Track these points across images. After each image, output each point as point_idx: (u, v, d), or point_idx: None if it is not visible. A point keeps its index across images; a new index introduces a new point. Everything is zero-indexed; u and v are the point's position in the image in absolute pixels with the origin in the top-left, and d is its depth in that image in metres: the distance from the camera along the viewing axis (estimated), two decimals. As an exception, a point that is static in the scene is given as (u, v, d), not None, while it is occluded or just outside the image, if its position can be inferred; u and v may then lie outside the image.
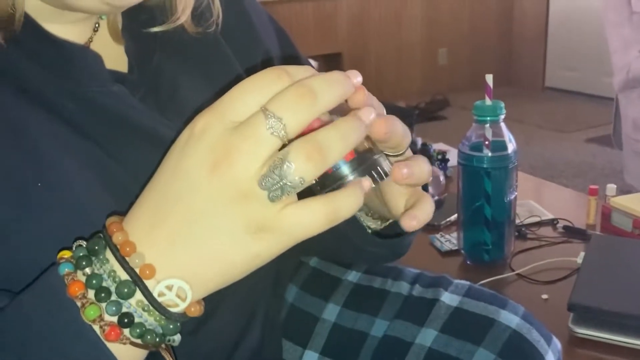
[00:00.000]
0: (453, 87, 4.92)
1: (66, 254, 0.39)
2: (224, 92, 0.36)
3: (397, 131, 0.42)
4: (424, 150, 1.57)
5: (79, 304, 0.36)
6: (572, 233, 1.21)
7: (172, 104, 0.55)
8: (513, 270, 1.08)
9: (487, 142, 1.02)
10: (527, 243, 1.18)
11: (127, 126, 0.50)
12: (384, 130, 0.41)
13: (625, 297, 0.90)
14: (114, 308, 0.36)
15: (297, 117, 0.35)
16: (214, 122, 0.35)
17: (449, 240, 1.19)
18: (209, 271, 0.37)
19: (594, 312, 0.88)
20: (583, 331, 0.88)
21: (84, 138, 0.47)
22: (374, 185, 0.39)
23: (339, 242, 0.48)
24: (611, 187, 1.25)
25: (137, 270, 0.36)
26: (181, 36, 0.57)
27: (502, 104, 1.02)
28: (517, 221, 1.19)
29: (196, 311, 0.38)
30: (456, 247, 1.15)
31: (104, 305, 0.37)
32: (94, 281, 0.37)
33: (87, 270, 0.37)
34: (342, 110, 0.38)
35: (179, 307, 0.37)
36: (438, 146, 1.68)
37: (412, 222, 0.43)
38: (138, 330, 0.37)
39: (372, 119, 0.38)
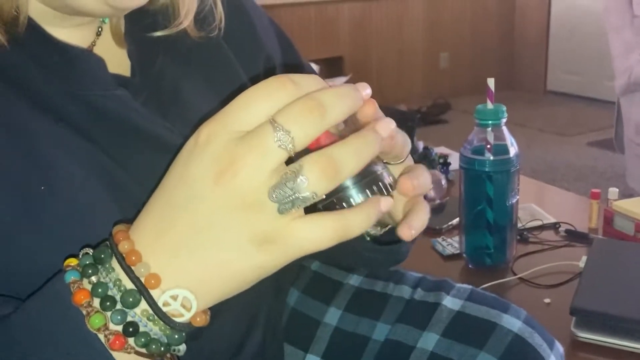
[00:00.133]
0: (455, 90, 4.92)
1: (73, 261, 0.39)
2: (229, 101, 0.36)
3: (398, 142, 0.42)
4: (426, 154, 1.57)
5: (84, 312, 0.36)
6: (574, 237, 1.21)
7: (174, 108, 0.55)
8: (515, 274, 1.07)
9: (488, 146, 1.02)
10: (529, 247, 1.18)
11: (130, 130, 0.50)
12: (388, 142, 0.40)
13: (628, 301, 0.90)
14: (119, 317, 0.36)
15: (306, 131, 0.34)
16: (219, 131, 0.35)
17: (451, 244, 1.19)
18: (214, 281, 0.36)
19: (597, 316, 0.88)
20: (585, 335, 0.87)
21: (87, 141, 0.47)
22: (386, 210, 0.38)
23: (337, 246, 0.47)
24: (613, 191, 1.24)
25: (143, 280, 0.36)
26: (184, 40, 0.57)
27: (504, 108, 1.02)
28: (519, 225, 1.18)
29: (202, 321, 0.38)
30: (458, 251, 1.15)
31: (109, 314, 0.36)
32: (99, 290, 0.37)
33: (93, 278, 0.37)
34: (351, 120, 0.38)
35: (184, 317, 0.37)
36: (440, 150, 1.68)
37: (410, 232, 0.43)
38: (143, 340, 0.37)
39: (391, 131, 0.38)
